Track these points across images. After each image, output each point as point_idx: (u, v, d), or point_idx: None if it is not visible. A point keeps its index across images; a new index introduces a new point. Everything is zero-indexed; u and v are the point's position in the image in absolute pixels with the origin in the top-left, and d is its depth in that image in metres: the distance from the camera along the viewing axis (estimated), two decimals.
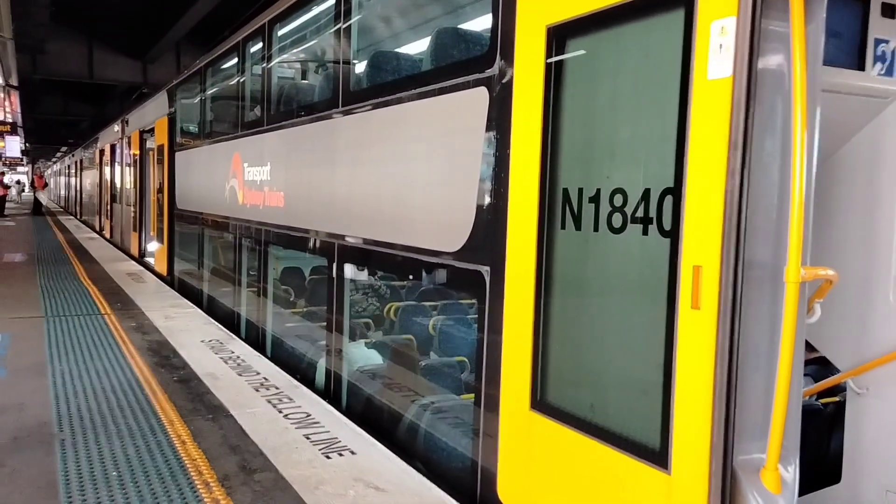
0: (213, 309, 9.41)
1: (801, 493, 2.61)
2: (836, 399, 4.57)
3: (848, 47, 3.42)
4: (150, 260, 14.09)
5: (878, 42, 3.44)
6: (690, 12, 2.62)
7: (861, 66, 3.44)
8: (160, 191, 12.70)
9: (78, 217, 32.06)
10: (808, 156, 2.42)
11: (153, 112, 13.49)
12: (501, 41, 3.64)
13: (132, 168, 16.08)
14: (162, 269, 12.55)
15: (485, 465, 3.77)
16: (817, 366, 4.90)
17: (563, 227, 3.21)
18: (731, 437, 2.54)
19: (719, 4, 2.51)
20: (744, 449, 2.58)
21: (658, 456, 2.72)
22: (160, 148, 12.57)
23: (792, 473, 2.60)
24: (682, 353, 2.63)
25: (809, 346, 3.84)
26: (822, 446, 4.36)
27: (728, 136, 2.48)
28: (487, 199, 3.74)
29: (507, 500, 3.53)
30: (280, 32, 7.17)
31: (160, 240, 12.87)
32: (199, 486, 3.79)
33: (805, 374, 3.91)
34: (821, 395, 4.57)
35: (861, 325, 3.66)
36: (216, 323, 8.20)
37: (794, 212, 2.41)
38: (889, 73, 3.50)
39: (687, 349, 2.62)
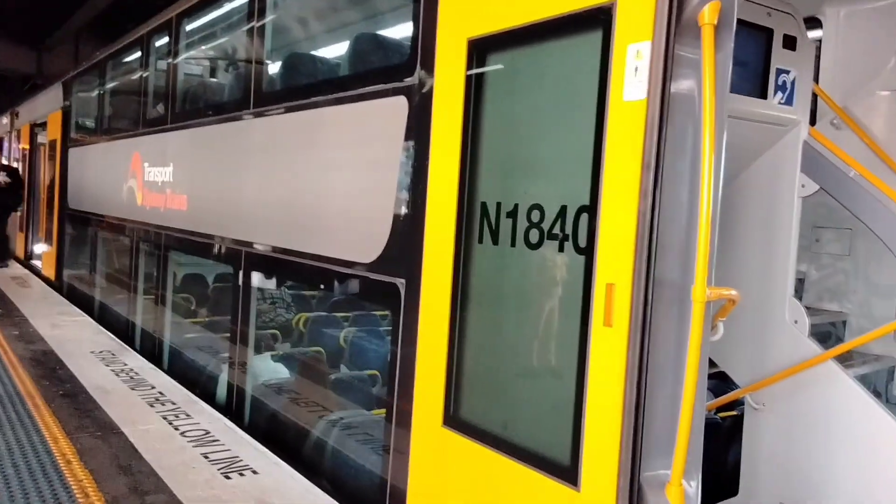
0: (105, 317, 8.87)
1: None
2: (734, 413, 4.75)
3: (751, 76, 3.57)
4: (38, 263, 13.19)
5: (779, 72, 3.61)
6: (608, 35, 2.65)
7: (763, 95, 3.60)
8: (51, 189, 11.92)
9: None
10: (715, 179, 2.49)
11: (46, 105, 12.67)
12: (422, 51, 3.59)
13: (21, 164, 15.05)
14: (50, 273, 11.77)
15: (394, 482, 3.68)
16: (717, 380, 5.09)
17: (480, 241, 3.18)
18: (638, 453, 2.56)
19: (635, 29, 2.55)
20: (650, 465, 2.60)
21: (568, 473, 2.72)
22: (52, 143, 11.83)
23: (694, 488, 2.64)
24: (593, 370, 2.64)
25: (710, 362, 3.97)
26: (720, 459, 4.51)
27: (642, 156, 2.52)
28: (404, 211, 3.67)
29: None
30: (189, 28, 6.86)
31: (49, 242, 12.07)
32: None
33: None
34: (719, 409, 4.74)
35: (758, 342, 3.81)
36: (108, 333, 7.72)
37: (701, 233, 2.47)
38: (789, 102, 3.68)
39: (599, 366, 2.63)
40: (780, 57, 3.62)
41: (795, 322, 3.71)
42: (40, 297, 10.01)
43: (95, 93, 9.93)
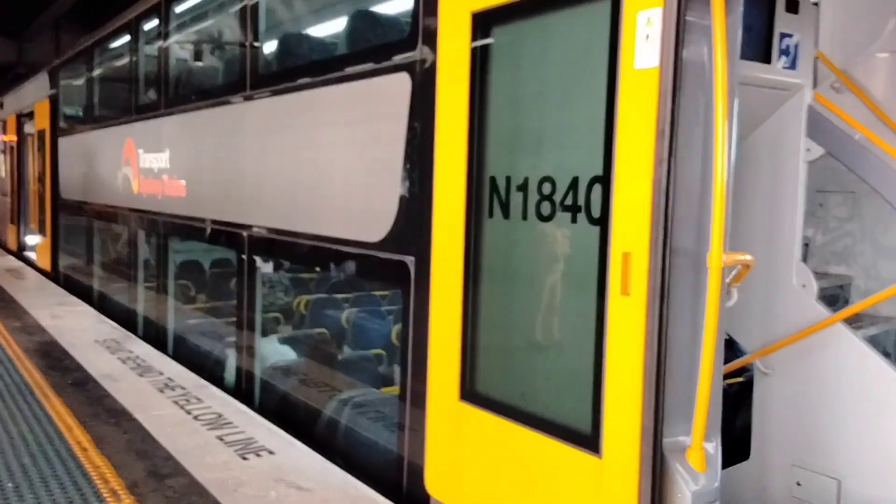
0: (105, 306, 8.85)
1: None
2: (741, 379, 4.80)
3: (755, 41, 3.56)
4: (32, 255, 13.11)
5: (782, 36, 3.60)
6: (617, 2, 2.63)
7: (767, 60, 3.59)
8: (41, 179, 11.82)
9: None
10: (728, 145, 2.49)
11: (33, 94, 12.51)
12: (424, 26, 3.56)
13: (7, 154, 14.89)
14: (45, 264, 11.71)
15: (411, 458, 3.71)
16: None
17: (490, 215, 3.18)
18: (660, 419, 2.59)
19: None
20: (670, 431, 2.64)
21: (590, 441, 2.75)
22: (41, 133, 11.70)
23: (714, 452, 2.69)
24: (612, 339, 2.67)
25: None
26: (728, 426, 4.56)
27: (655, 125, 2.52)
28: (411, 188, 3.66)
29: (436, 493, 3.48)
30: (178, 10, 6.78)
31: (42, 232, 11.99)
32: (105, 495, 3.53)
33: None
34: (725, 376, 4.77)
35: (767, 307, 3.84)
36: (111, 321, 7.71)
37: (716, 200, 2.48)
38: (792, 66, 3.67)
39: (617, 335, 2.65)
40: (783, 21, 3.60)
41: (803, 286, 3.74)
42: (37, 288, 9.97)
43: (84, 80, 9.80)
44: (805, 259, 4.26)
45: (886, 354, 3.84)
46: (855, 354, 3.56)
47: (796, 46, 3.67)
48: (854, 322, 3.83)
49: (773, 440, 3.88)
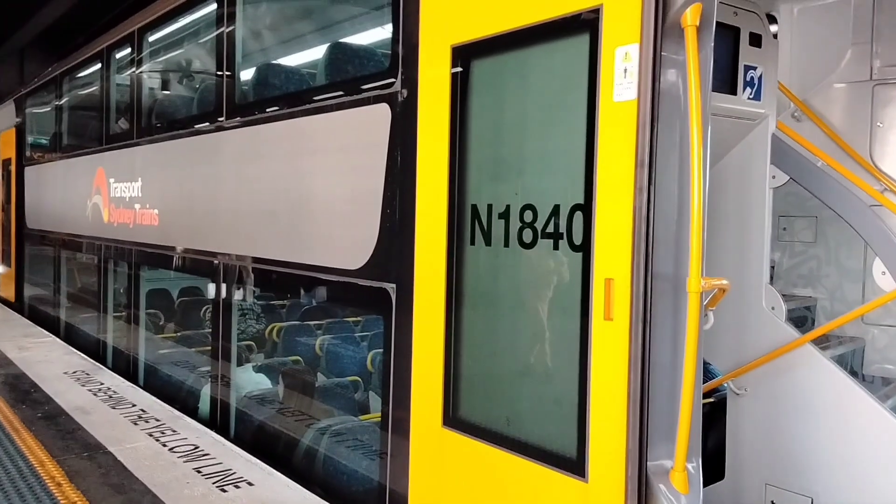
0: (73, 337, 8.67)
1: None
2: (712, 400, 4.90)
3: (722, 73, 3.72)
4: None
5: (747, 69, 3.77)
6: (595, 38, 2.74)
7: (733, 91, 3.75)
8: (5, 208, 11.61)
9: None
10: (704, 173, 2.60)
11: None
12: (404, 58, 3.63)
13: None
14: (9, 294, 11.45)
15: (394, 486, 3.71)
16: None
17: (472, 242, 3.24)
18: (644, 442, 2.65)
19: (623, 32, 2.64)
20: (654, 453, 2.69)
21: (575, 465, 2.79)
22: (6, 162, 11.50)
23: (696, 473, 2.75)
24: (596, 364, 2.72)
25: None
26: (703, 446, 4.65)
27: (635, 155, 2.61)
28: (392, 216, 3.70)
29: None
30: (151, 39, 6.77)
31: (6, 262, 11.74)
32: None
33: None
34: None
35: (738, 329, 3.95)
36: (79, 353, 7.55)
37: (693, 226, 2.58)
38: (757, 97, 3.83)
39: (601, 359, 2.71)
40: (747, 54, 3.77)
41: (772, 308, 3.86)
42: (1, 319, 9.72)
43: (52, 109, 9.69)
44: (772, 282, 4.40)
45: (853, 373, 3.98)
46: (824, 374, 3.68)
47: (760, 78, 3.83)
48: (822, 342, 3.96)
49: (747, 460, 3.97)
